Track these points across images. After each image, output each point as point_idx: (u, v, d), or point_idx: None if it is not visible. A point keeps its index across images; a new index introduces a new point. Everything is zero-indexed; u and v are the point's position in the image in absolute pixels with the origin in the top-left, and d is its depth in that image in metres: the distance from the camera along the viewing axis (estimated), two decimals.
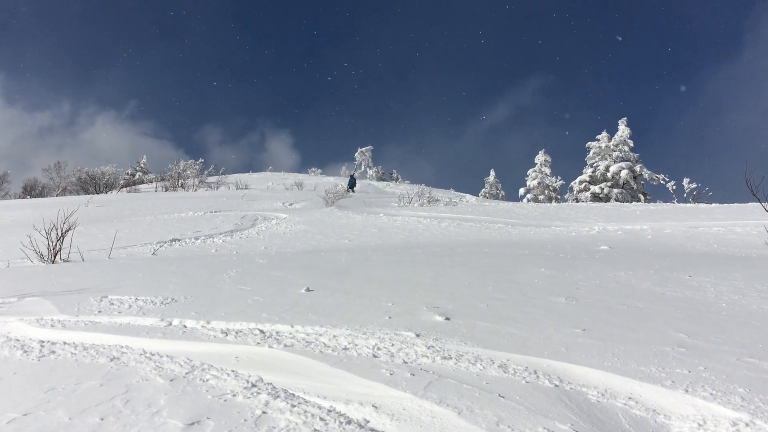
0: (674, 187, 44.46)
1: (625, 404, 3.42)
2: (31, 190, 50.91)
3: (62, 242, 10.83)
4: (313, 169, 69.10)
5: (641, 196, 45.79)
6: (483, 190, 62.12)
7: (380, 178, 67.20)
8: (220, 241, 14.08)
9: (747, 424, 3.08)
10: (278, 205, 24.96)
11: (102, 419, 3.21)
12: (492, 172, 63.48)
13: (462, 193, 42.00)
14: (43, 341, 4.76)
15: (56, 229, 10.79)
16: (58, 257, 10.62)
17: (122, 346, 4.59)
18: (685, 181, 43.95)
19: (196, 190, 42.19)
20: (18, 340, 4.81)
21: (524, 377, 3.77)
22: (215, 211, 21.42)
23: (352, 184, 40.59)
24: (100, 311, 5.63)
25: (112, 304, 5.95)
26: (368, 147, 68.37)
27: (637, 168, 46.29)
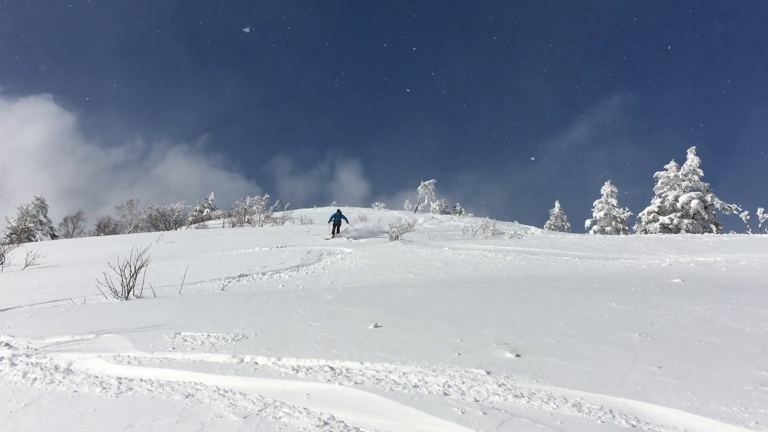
0: (748, 217, 42.99)
1: None
2: (104, 228, 52.66)
3: (135, 279, 11.13)
4: (377, 203, 69.46)
5: (713, 227, 44.46)
6: (548, 222, 61.34)
7: (443, 211, 67.08)
8: (287, 276, 14.25)
9: None
10: (343, 240, 25.15)
11: None
12: (557, 204, 62.71)
13: (527, 226, 41.56)
14: (120, 378, 4.89)
15: (130, 266, 11.11)
16: (131, 293, 10.91)
17: (196, 383, 4.67)
18: (760, 210, 42.48)
19: (262, 225, 42.89)
20: (97, 377, 4.96)
21: (599, 417, 3.68)
22: (281, 247, 21.72)
23: (336, 221, 28.45)
24: (174, 348, 5.76)
25: (185, 340, 6.07)
26: (431, 180, 68.39)
27: (708, 198, 45.02)
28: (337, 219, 28.67)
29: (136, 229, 48.77)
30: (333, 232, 27.82)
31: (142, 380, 4.80)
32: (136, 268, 11.25)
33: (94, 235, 49.95)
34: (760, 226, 40.01)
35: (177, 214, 49.67)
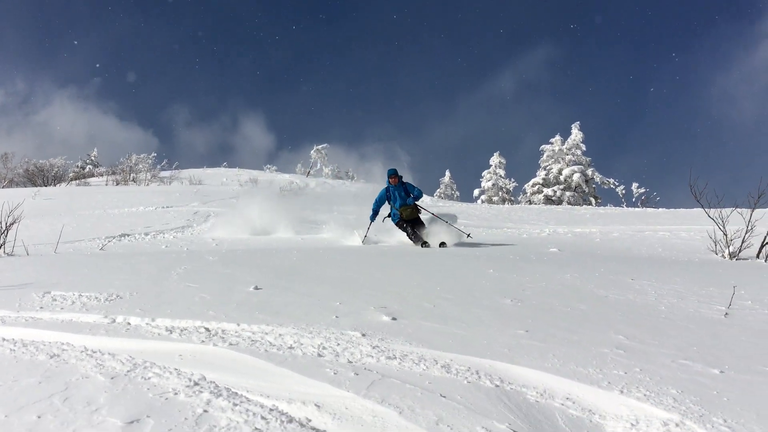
0: (623, 191, 45.39)
1: (563, 404, 3.49)
2: None
3: (6, 235, 10.59)
4: (269, 166, 68.58)
5: (592, 200, 46.61)
6: (438, 190, 62.50)
7: (336, 177, 67.07)
8: (171, 237, 13.91)
9: (677, 425, 3.17)
10: (232, 202, 24.72)
11: (39, 417, 3.16)
12: (447, 173, 63.96)
13: None
14: None
15: (0, 222, 10.55)
16: (1, 251, 10.38)
17: (63, 343, 4.51)
18: (634, 185, 44.92)
19: (148, 184, 41.55)
20: None
21: (466, 377, 3.82)
22: (167, 207, 21.15)
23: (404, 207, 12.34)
24: (41, 307, 5.53)
25: (55, 300, 5.84)
26: (324, 145, 68.06)
27: (589, 172, 47.10)
28: (402, 203, 12.47)
29: (11, 183, 46.18)
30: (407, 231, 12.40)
31: (4, 340, 4.59)
32: (7, 224, 10.70)
33: None
34: (633, 200, 42.33)
35: (57, 169, 47.34)
